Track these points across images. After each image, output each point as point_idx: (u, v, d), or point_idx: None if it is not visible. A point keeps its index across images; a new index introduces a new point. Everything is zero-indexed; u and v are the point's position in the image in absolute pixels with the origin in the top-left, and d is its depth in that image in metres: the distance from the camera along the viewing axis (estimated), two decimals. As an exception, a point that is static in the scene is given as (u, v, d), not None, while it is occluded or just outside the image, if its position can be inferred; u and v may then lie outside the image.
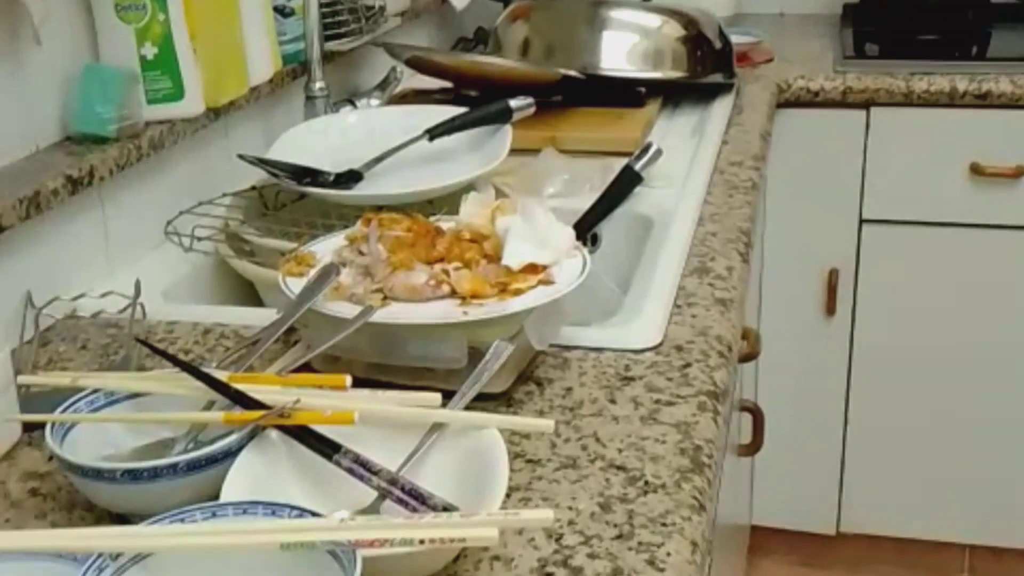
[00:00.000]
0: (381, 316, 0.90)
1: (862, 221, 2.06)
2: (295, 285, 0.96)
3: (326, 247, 1.03)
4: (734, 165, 1.53)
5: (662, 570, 0.73)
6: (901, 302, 2.08)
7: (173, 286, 1.24)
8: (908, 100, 1.96)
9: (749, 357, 1.40)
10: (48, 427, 0.79)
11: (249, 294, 1.32)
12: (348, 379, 0.82)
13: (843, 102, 1.98)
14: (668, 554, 0.75)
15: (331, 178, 1.34)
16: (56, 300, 1.10)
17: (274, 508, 0.66)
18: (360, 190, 1.33)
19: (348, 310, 0.92)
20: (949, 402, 2.10)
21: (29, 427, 0.91)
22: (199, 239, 1.26)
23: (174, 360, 0.83)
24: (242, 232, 1.30)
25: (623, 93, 1.74)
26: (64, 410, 0.81)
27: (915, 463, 2.15)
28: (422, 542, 0.62)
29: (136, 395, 0.84)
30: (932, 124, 1.98)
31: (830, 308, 2.10)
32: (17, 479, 0.86)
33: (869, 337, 2.11)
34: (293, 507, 0.66)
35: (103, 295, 1.11)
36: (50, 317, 1.11)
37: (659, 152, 1.41)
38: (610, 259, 1.35)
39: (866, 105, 1.98)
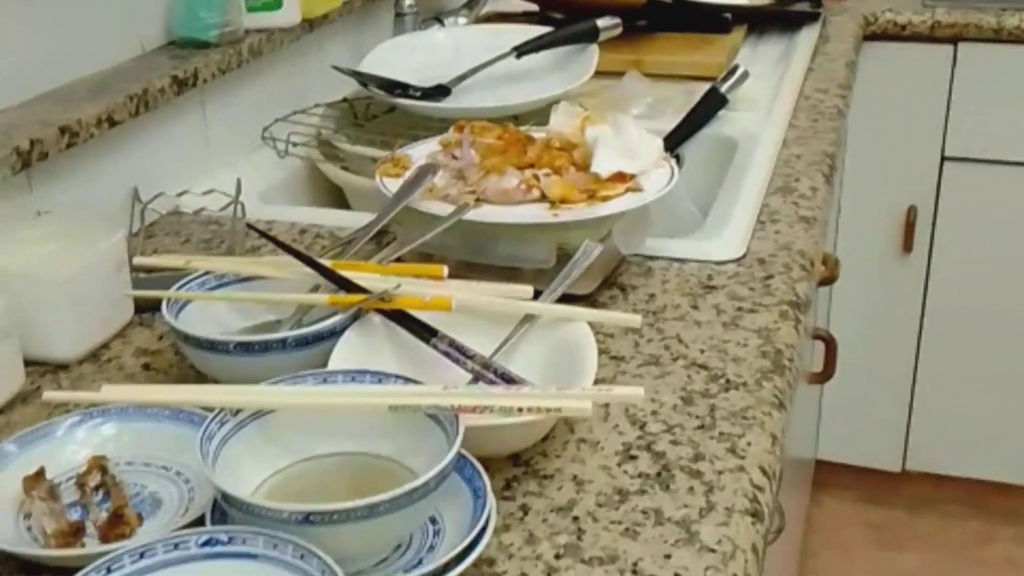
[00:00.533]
0: (474, 215, 0.94)
1: (944, 158, 2.04)
2: (392, 185, 1.00)
3: (420, 151, 1.06)
4: (819, 92, 1.54)
5: (742, 457, 0.76)
6: (979, 242, 2.06)
7: (268, 189, 1.29)
8: (997, 36, 1.93)
9: (828, 281, 1.42)
10: (164, 303, 0.84)
11: (338, 200, 1.36)
12: (444, 269, 0.86)
13: (930, 37, 1.96)
14: (748, 444, 0.78)
15: (419, 93, 1.37)
16: (161, 196, 1.15)
17: (381, 377, 0.70)
18: (448, 104, 1.36)
19: (442, 209, 0.95)
20: (1022, 345, 2.09)
21: (140, 309, 0.96)
22: (294, 145, 1.30)
23: (283, 245, 0.87)
24: (334, 140, 1.34)
25: (709, 19, 1.74)
26: (177, 290, 0.86)
27: (984, 403, 2.15)
28: (520, 410, 0.65)
29: (244, 279, 0.89)
30: (1021, 62, 1.95)
31: (907, 245, 2.10)
32: (131, 355, 0.91)
33: (945, 276, 2.10)
34: (399, 376, 0.70)
35: (205, 193, 1.16)
36: (155, 212, 1.16)
37: (746, 74, 1.42)
38: (691, 183, 1.36)
39: (953, 40, 1.96)
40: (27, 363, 0.86)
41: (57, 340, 0.88)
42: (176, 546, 0.59)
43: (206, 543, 0.59)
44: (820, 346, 1.69)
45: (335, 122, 1.40)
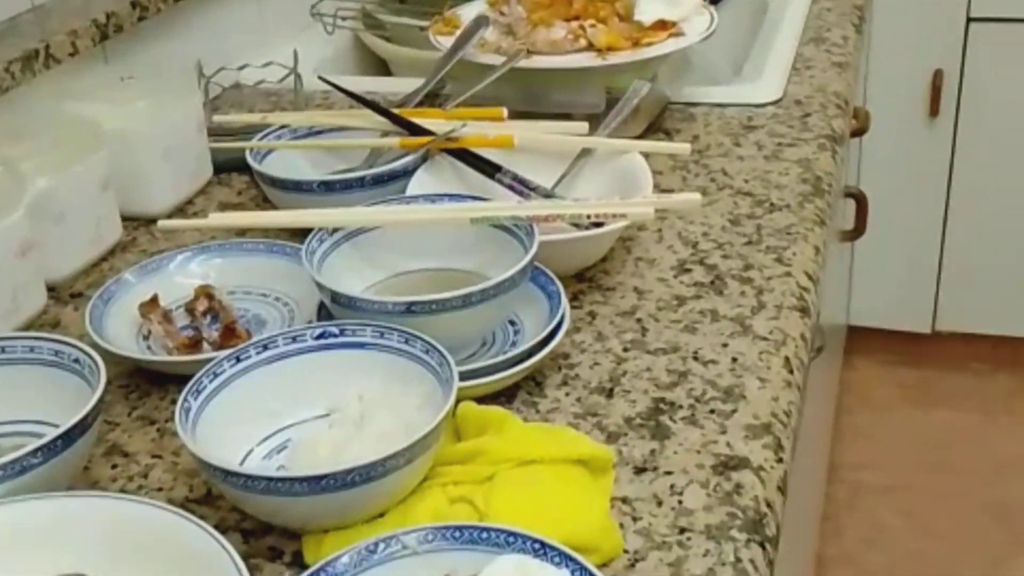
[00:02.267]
0: (527, 63, 1.00)
1: (969, 19, 2.06)
2: (445, 42, 1.05)
3: (469, 9, 1.12)
4: (847, -50, 1.57)
5: (788, 265, 0.83)
6: (1007, 103, 2.09)
7: (319, 64, 1.34)
8: None
9: (859, 132, 1.47)
10: (248, 152, 0.91)
11: (382, 72, 1.42)
12: (504, 111, 0.92)
13: None
14: (793, 254, 0.84)
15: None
16: (223, 70, 1.21)
17: (458, 198, 0.77)
18: (488, -25, 1.41)
19: (496, 60, 1.01)
20: (1050, 201, 2.13)
21: (217, 170, 1.03)
22: (342, 19, 1.35)
23: (355, 96, 0.93)
24: (378, 13, 1.39)
25: None
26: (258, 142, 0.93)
27: (1012, 262, 2.20)
28: (588, 217, 0.72)
29: (317, 132, 0.95)
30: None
31: (934, 109, 2.13)
32: (214, 209, 0.98)
33: (972, 138, 2.13)
34: (474, 197, 0.77)
35: (264, 65, 1.22)
36: (217, 86, 1.22)
37: (774, -66, 1.45)
38: (722, 43, 1.41)
39: (978, -102, 1.96)
40: (122, 217, 0.94)
41: (149, 194, 0.95)
42: (294, 339, 0.66)
43: (320, 335, 0.67)
44: (851, 204, 1.75)
45: (378, -1, 1.45)
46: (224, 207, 0.99)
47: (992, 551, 1.93)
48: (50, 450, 0.59)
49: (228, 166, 1.03)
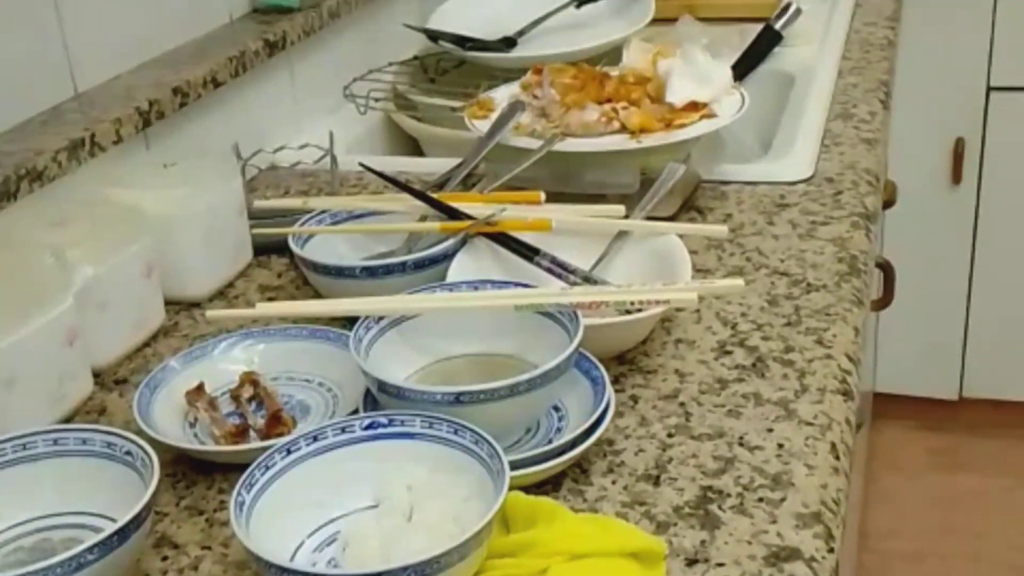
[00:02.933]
0: (562, 146, 1.01)
1: (989, 89, 2.08)
2: (480, 125, 1.07)
3: (503, 94, 1.13)
4: (869, 25, 1.59)
5: (829, 347, 0.83)
6: (1028, 170, 2.11)
7: (353, 143, 1.36)
8: (1039, -36, 1.96)
9: (887, 204, 1.47)
10: (290, 238, 0.92)
11: (413, 151, 1.44)
12: (542, 195, 0.93)
13: (972, -32, 2.00)
14: (834, 335, 0.85)
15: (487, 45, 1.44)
16: (260, 152, 1.23)
17: (500, 284, 0.78)
18: (516, 54, 1.43)
19: (531, 143, 1.02)
20: (1075, 267, 2.13)
21: (257, 252, 1.04)
22: (375, 100, 1.38)
23: (394, 181, 0.95)
24: (410, 94, 1.41)
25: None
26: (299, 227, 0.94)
27: (1039, 328, 2.20)
28: (632, 303, 0.73)
29: (357, 216, 0.97)
30: (1063, -12, 1.98)
31: (956, 177, 2.14)
32: (255, 291, 1.00)
33: (995, 205, 2.14)
34: (517, 283, 0.78)
35: (301, 147, 1.24)
36: (254, 168, 1.24)
37: (799, 11, 1.47)
38: (750, 119, 1.43)
39: (996, -30, 1.99)
40: (164, 301, 0.95)
41: (191, 278, 0.96)
42: (343, 429, 0.67)
43: (369, 426, 0.67)
44: (878, 273, 1.75)
45: (409, 78, 1.47)
46: (264, 290, 1.00)
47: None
48: (105, 546, 0.59)
49: (267, 248, 1.05)
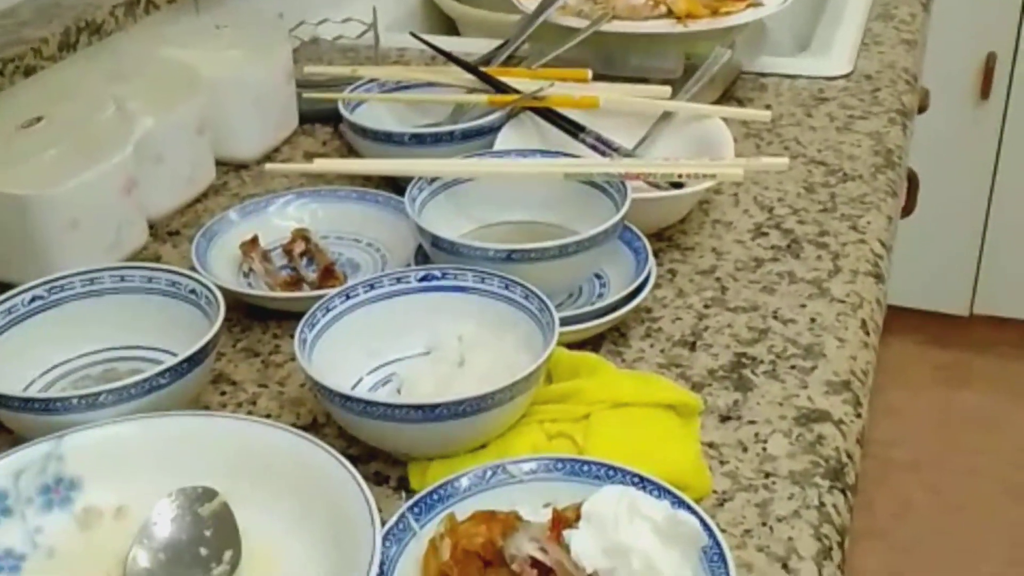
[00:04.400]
0: (609, 27, 1.02)
1: (1025, 5, 2.06)
2: (527, 3, 1.08)
3: (550, -26, 1.14)
4: (913, -70, 1.58)
5: (863, 232, 0.86)
6: (1057, 89, 2.10)
7: (392, 21, 1.37)
8: None
9: (920, 110, 1.48)
10: (340, 103, 0.94)
11: (450, 32, 1.45)
12: (589, 72, 0.95)
13: None
14: (868, 223, 0.87)
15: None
16: (303, 24, 1.24)
17: (549, 154, 0.80)
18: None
19: (579, 23, 1.04)
20: (1096, 189, 2.14)
21: (303, 120, 1.06)
22: (417, -21, 1.38)
23: (445, 53, 0.96)
24: (451, -25, 1.41)
25: None
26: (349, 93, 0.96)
27: (1055, 248, 2.21)
28: (680, 176, 0.75)
29: (405, 86, 0.98)
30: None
31: (984, 91, 2.14)
32: (300, 157, 1.02)
33: (1021, 123, 2.14)
34: (566, 154, 0.80)
35: (343, 20, 1.25)
36: (297, 39, 1.25)
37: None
38: (790, 18, 1.43)
39: None
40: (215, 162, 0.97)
41: (239, 140, 0.98)
42: (399, 279, 0.70)
43: (424, 278, 0.70)
44: (905, 177, 1.76)
45: (450, -41, 1.47)
46: (310, 156, 1.02)
47: (1015, 531, 1.96)
48: (176, 372, 0.62)
49: (312, 117, 1.07)
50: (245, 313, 0.78)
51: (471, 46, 1.23)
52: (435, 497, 0.57)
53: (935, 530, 1.97)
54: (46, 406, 0.60)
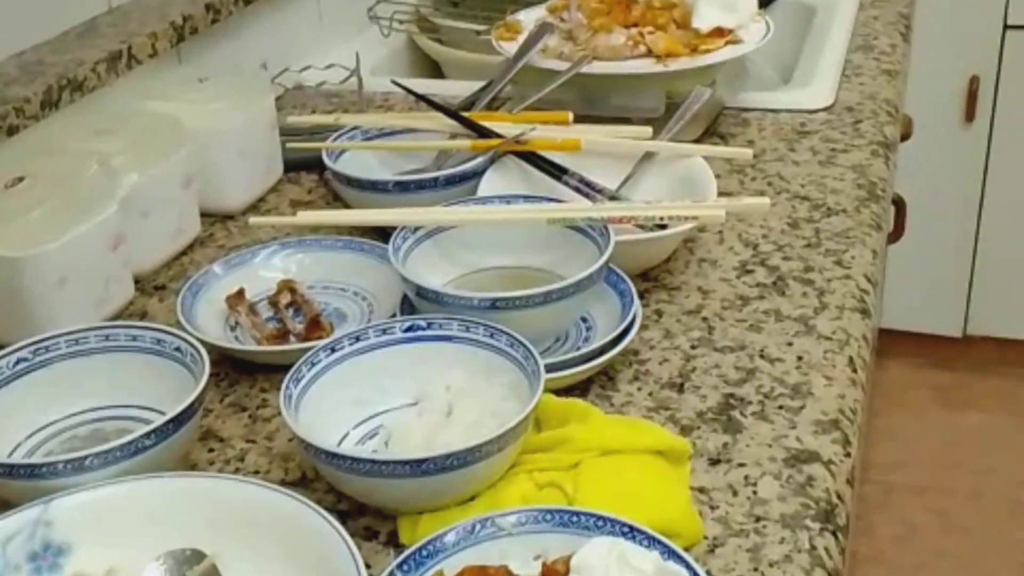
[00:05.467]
0: (590, 69, 1.03)
1: (1006, 27, 2.08)
2: (508, 47, 1.09)
3: (529, 16, 1.15)
4: (890, -41, 1.59)
5: (848, 268, 0.86)
6: (1042, 110, 2.11)
7: (375, 65, 1.38)
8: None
9: (903, 138, 1.49)
10: (324, 153, 0.94)
11: (435, 75, 1.46)
12: (570, 115, 0.95)
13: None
14: (853, 257, 0.87)
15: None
16: (287, 71, 1.25)
17: (531, 199, 0.80)
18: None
19: (559, 66, 1.04)
20: (1084, 208, 2.15)
21: (287, 169, 1.07)
22: (399, 22, 1.39)
23: (427, 99, 0.97)
24: (434, 17, 1.42)
25: None
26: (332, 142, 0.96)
27: (1046, 267, 2.22)
28: (661, 219, 0.75)
29: (388, 133, 0.99)
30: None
31: (969, 114, 2.15)
32: (287, 206, 1.02)
33: (1007, 144, 2.15)
34: (549, 198, 0.80)
35: (327, 67, 1.26)
36: (281, 87, 1.26)
37: (821, -58, 1.48)
38: (772, 52, 1.44)
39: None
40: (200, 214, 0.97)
41: (225, 191, 0.99)
42: (384, 331, 0.70)
43: (409, 328, 0.70)
44: (890, 208, 1.77)
45: (432, 1, 1.48)
46: (296, 205, 1.02)
47: (1021, 551, 1.95)
48: (162, 432, 0.62)
49: (297, 165, 1.07)
50: (232, 367, 0.78)
51: (454, 88, 1.24)
52: (424, 554, 0.56)
53: (940, 553, 1.96)
54: (32, 471, 0.60)
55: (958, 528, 2.01)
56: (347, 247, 0.86)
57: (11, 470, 0.60)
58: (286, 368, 0.67)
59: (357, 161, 0.98)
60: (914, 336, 2.39)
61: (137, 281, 0.89)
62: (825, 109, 1.13)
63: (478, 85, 1.09)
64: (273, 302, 0.83)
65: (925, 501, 2.10)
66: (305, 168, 1.07)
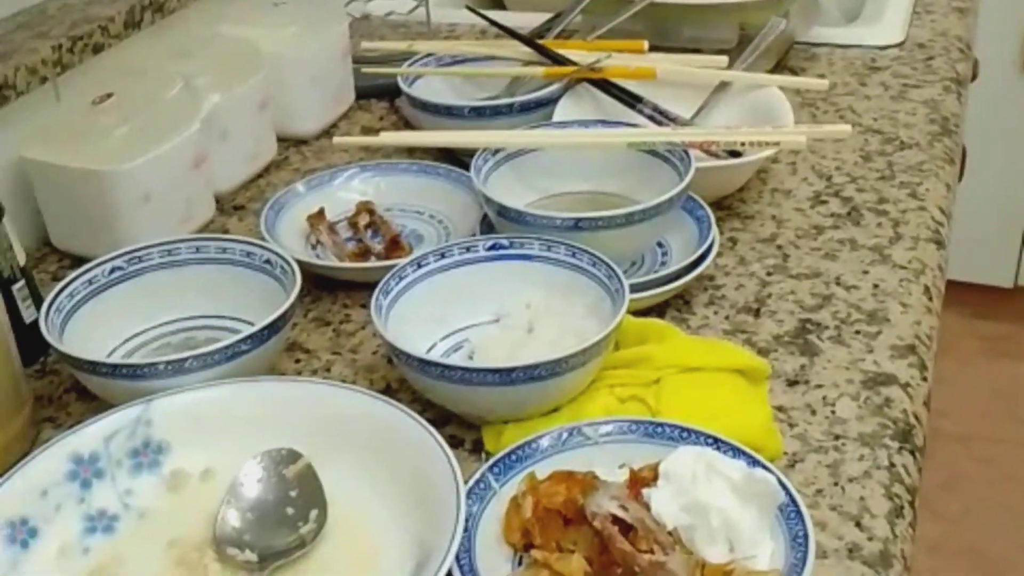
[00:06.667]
0: (663, -1, 1.03)
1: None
2: (580, -24, 1.08)
3: (601, -53, 1.14)
4: None
5: (922, 200, 0.86)
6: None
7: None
8: None
9: (971, 78, 1.47)
10: (399, 79, 0.95)
11: (497, 6, 1.45)
12: (645, 43, 0.95)
13: None
14: (927, 190, 0.87)
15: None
16: (354, 0, 1.25)
17: (609, 123, 0.81)
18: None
19: (633, -5, 1.04)
20: None
21: (359, 96, 1.08)
22: (465, -46, 1.38)
23: (501, 26, 0.97)
24: (499, -49, 1.42)
25: None
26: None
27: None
28: (742, 144, 0.76)
29: (461, 60, 0.99)
30: None
31: (1028, 62, 2.12)
32: (358, 132, 1.03)
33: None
34: (627, 123, 0.81)
35: (394, -5, 1.26)
36: (348, 16, 1.26)
37: None
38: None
39: None
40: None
41: (298, 116, 1.00)
42: (468, 249, 0.71)
43: (492, 247, 0.71)
44: (962, 144, 1.75)
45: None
46: (367, 131, 1.03)
47: (1068, 501, 1.96)
48: (258, 338, 0.64)
49: (367, 92, 1.08)
50: (314, 284, 0.80)
51: (522, 20, 1.23)
52: (514, 458, 0.58)
53: (984, 501, 1.97)
54: (134, 372, 0.62)
55: (1004, 476, 2.01)
56: (423, 171, 0.87)
57: (114, 370, 0.62)
58: (366, 286, 0.69)
59: (430, 88, 0.98)
60: (964, 285, 2.37)
61: (216, 201, 0.91)
62: (896, 45, 1.12)
63: (544, 17, 1.09)
64: (352, 223, 0.85)
65: (971, 449, 2.10)
66: (376, 96, 1.08)
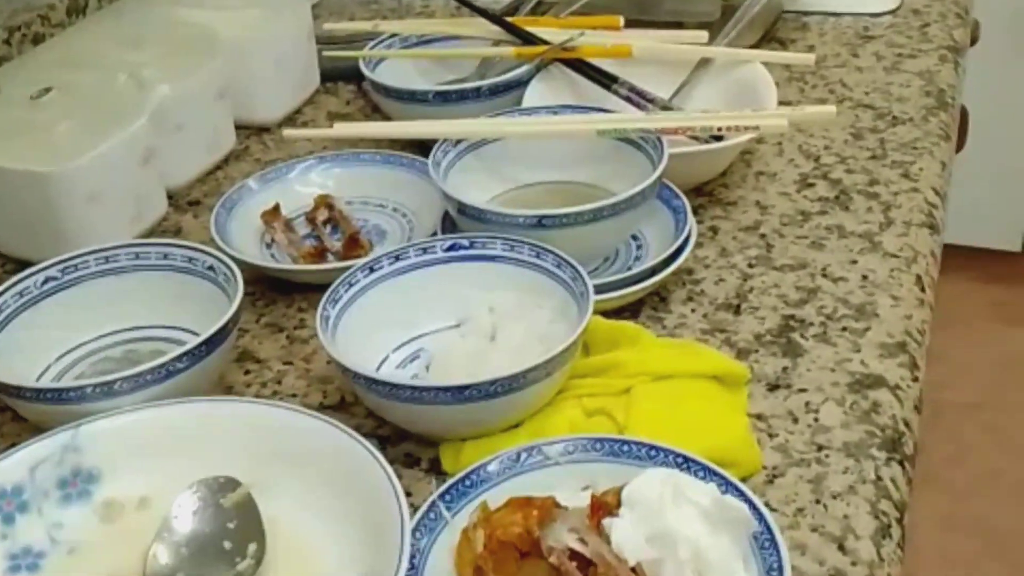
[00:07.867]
0: (642, -30, 0.97)
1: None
2: (554, -52, 1.03)
3: (577, -85, 1.08)
4: None
5: (915, 180, 0.81)
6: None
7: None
8: None
9: (971, 42, 1.42)
10: (361, 62, 0.90)
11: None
12: (621, 19, 0.90)
13: None
14: (920, 169, 0.82)
15: None
16: (323, -23, 1.20)
17: (580, 109, 0.76)
18: None
19: (609, -35, 0.99)
20: None
21: (324, 79, 1.03)
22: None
23: (468, 4, 0.92)
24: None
25: None
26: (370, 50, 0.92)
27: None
28: (720, 129, 0.71)
29: (428, 41, 0.94)
30: None
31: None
32: (323, 118, 0.98)
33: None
34: (598, 109, 0.76)
35: (365, -29, 1.21)
36: (318, -7, 1.21)
37: None
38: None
39: None
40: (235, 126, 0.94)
41: (260, 103, 0.95)
42: (425, 250, 0.67)
43: (451, 247, 0.67)
44: (958, 117, 1.70)
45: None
46: (333, 117, 0.98)
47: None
48: (195, 355, 0.60)
49: (334, 75, 1.03)
50: (269, 286, 0.76)
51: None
52: (467, 483, 0.54)
53: (994, 472, 1.92)
54: (59, 395, 0.58)
55: (1014, 446, 1.97)
56: (386, 161, 0.83)
57: (39, 394, 0.58)
58: (324, 287, 0.64)
59: (397, 70, 0.93)
60: (971, 250, 2.32)
61: (171, 196, 0.86)
62: (890, 12, 1.06)
63: (521, -10, 1.04)
64: (310, 219, 0.80)
65: (979, 419, 2.05)
66: (343, 79, 1.03)
